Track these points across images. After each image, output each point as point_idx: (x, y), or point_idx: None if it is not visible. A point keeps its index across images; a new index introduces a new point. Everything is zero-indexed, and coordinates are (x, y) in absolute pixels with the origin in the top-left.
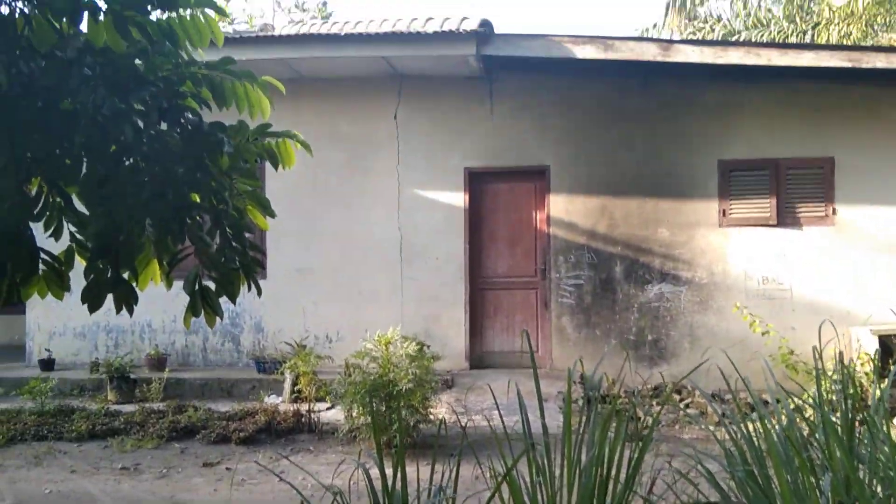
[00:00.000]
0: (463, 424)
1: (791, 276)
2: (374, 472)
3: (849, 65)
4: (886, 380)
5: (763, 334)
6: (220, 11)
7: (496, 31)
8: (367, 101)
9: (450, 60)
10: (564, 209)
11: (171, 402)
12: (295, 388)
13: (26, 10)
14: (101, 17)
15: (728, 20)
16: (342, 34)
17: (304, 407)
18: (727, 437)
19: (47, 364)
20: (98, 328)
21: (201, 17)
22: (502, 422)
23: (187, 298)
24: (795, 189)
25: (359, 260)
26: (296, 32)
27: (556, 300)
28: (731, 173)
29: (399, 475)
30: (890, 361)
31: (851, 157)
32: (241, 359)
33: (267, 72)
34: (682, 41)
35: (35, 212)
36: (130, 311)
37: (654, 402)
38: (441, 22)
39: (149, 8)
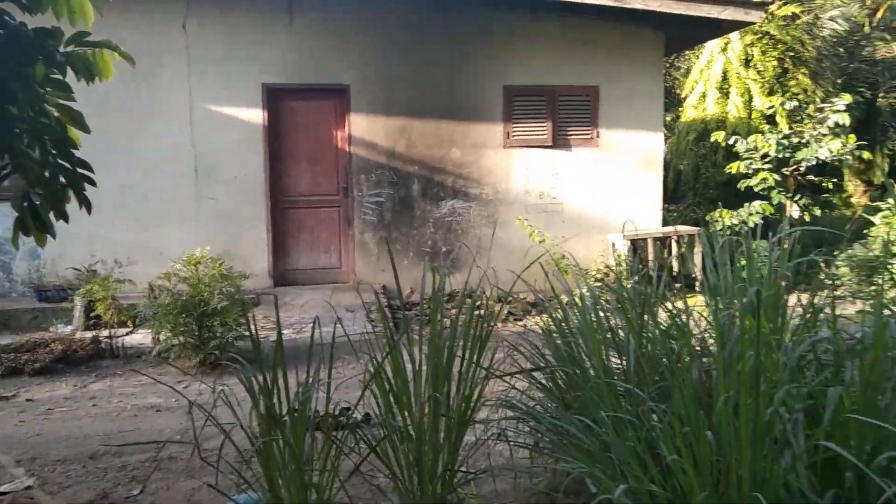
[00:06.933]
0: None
1: (563, 192)
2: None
3: (614, 4)
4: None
5: (540, 243)
6: None
7: None
8: (151, 7)
9: None
10: (365, 129)
11: None
12: (91, 315)
13: None
14: None
15: None
16: None
17: (102, 333)
18: (534, 325)
19: None
20: None
21: None
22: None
23: None
24: (568, 114)
25: (150, 179)
26: None
27: (359, 217)
28: (515, 98)
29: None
30: (639, 259)
31: (612, 86)
32: (15, 288)
33: None
34: None
35: None
36: None
37: (449, 307)
38: None
39: None
